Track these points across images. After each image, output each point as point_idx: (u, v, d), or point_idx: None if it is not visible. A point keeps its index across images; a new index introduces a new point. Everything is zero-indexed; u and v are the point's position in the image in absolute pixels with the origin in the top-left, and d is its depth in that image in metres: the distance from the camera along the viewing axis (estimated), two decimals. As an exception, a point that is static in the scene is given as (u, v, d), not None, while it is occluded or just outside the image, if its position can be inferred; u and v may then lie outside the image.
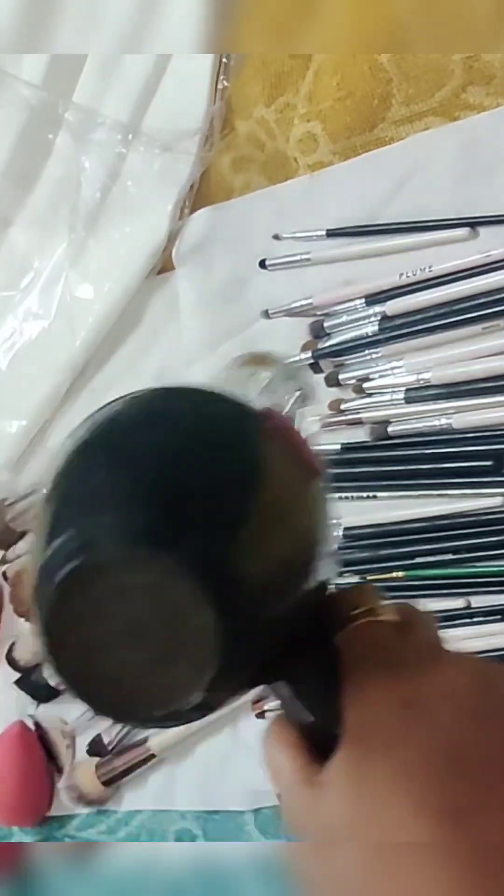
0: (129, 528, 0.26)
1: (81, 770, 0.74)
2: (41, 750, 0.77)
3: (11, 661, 0.80)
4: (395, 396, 0.63)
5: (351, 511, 0.65)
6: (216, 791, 0.70)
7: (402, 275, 0.64)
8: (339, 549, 0.65)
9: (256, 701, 0.68)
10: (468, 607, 0.61)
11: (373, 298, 0.65)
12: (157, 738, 0.71)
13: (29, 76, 0.79)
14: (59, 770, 0.76)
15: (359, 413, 0.65)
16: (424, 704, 0.28)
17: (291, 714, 0.32)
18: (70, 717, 0.77)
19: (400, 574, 0.63)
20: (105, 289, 0.78)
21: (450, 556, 0.61)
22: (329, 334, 0.67)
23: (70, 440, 0.30)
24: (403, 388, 0.63)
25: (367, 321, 0.65)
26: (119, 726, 0.73)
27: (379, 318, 0.64)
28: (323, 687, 0.31)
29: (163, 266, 0.77)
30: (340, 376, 0.66)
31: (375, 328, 0.65)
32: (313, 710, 0.31)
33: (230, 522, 0.27)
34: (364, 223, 0.66)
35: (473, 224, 0.62)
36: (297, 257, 0.69)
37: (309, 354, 0.67)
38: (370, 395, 0.64)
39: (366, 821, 0.27)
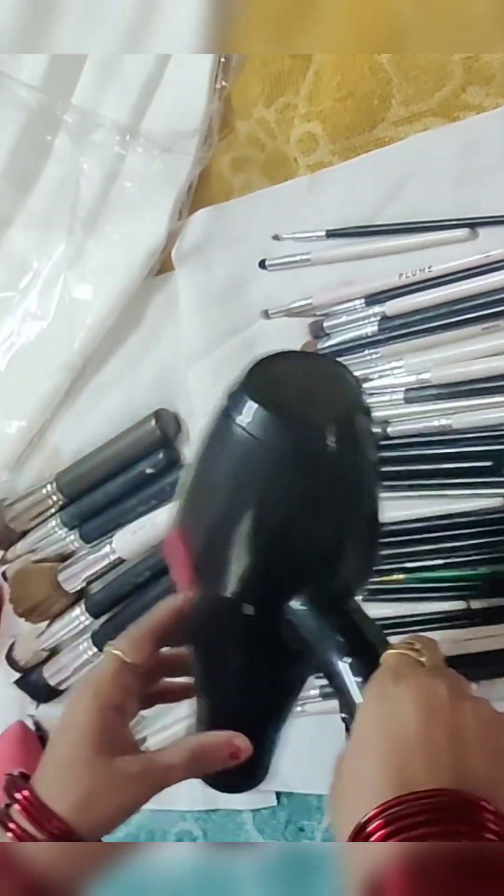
0: None
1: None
2: (41, 750, 0.76)
3: (11, 661, 0.80)
4: (394, 396, 0.63)
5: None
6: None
7: (401, 275, 0.64)
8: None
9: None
10: (468, 609, 0.61)
11: (373, 298, 0.65)
12: (156, 739, 0.71)
13: (28, 78, 0.79)
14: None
15: (359, 413, 0.65)
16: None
17: None
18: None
19: (400, 577, 0.63)
20: (104, 289, 0.78)
21: (449, 559, 0.61)
22: (329, 334, 0.67)
23: None
24: (403, 389, 0.63)
25: (366, 321, 0.65)
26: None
27: (379, 318, 0.64)
28: None
29: (163, 266, 0.76)
30: (340, 376, 0.66)
31: (375, 328, 0.65)
32: None
33: None
34: (364, 223, 0.66)
35: (473, 224, 0.62)
36: (297, 257, 0.69)
37: (309, 354, 0.67)
38: (370, 395, 0.64)
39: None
